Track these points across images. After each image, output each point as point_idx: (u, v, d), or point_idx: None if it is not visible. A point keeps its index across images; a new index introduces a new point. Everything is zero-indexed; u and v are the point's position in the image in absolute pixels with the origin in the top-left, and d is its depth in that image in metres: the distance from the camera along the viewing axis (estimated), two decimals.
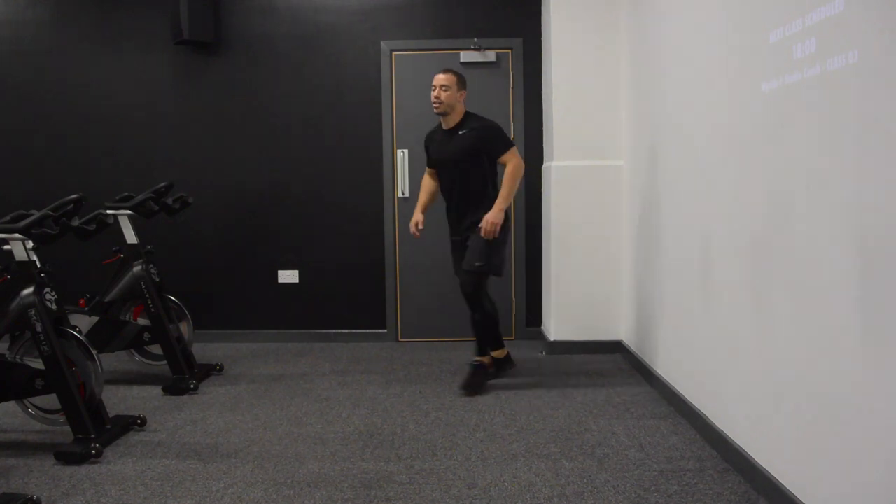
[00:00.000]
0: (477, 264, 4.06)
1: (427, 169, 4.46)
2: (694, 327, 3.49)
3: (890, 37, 1.91)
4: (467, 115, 4.20)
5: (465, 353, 5.06)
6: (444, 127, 4.21)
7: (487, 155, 4.15)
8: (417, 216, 4.34)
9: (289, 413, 3.84)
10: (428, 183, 4.45)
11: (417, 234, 4.33)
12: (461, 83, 4.16)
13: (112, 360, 4.76)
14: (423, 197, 4.43)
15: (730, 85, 3.00)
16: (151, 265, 4.41)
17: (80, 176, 5.49)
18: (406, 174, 5.49)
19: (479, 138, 4.12)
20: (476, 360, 4.30)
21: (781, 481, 2.55)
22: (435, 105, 4.13)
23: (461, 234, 4.23)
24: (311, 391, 4.25)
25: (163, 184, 4.64)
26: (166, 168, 5.42)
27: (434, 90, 4.12)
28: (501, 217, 4.05)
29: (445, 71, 4.18)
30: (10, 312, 3.31)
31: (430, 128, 4.42)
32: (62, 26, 5.66)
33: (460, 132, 4.14)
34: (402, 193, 5.50)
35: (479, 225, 4.05)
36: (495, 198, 4.10)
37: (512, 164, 4.10)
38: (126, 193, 4.55)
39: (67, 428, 3.31)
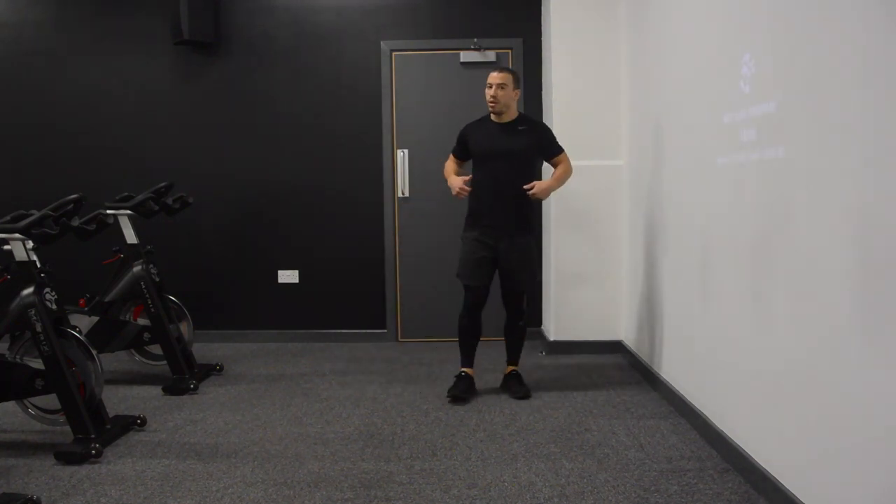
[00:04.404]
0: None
1: (453, 159, 4.23)
2: (694, 327, 3.49)
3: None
4: (522, 114, 4.18)
5: None
6: (497, 121, 4.11)
7: (543, 154, 4.17)
8: (460, 179, 4.08)
9: (289, 413, 3.84)
10: (454, 165, 4.25)
11: (467, 189, 4.05)
12: (516, 81, 4.09)
13: (112, 360, 4.76)
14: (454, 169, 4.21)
15: (728, 82, 3.00)
16: (151, 265, 4.40)
17: (80, 176, 5.47)
18: (406, 174, 5.48)
19: (540, 136, 4.12)
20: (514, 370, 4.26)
21: (781, 481, 2.55)
22: (491, 104, 4.04)
23: (497, 235, 4.05)
24: (311, 391, 4.25)
25: (163, 184, 4.64)
26: (166, 168, 5.40)
27: (490, 88, 4.02)
28: (548, 194, 4.13)
29: (501, 70, 4.09)
30: (10, 312, 3.31)
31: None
32: (62, 27, 5.65)
33: (519, 128, 4.08)
34: (402, 193, 5.50)
35: (532, 192, 3.97)
36: (533, 205, 4.14)
37: (564, 166, 4.13)
38: (126, 193, 4.55)
39: (67, 428, 3.30)
